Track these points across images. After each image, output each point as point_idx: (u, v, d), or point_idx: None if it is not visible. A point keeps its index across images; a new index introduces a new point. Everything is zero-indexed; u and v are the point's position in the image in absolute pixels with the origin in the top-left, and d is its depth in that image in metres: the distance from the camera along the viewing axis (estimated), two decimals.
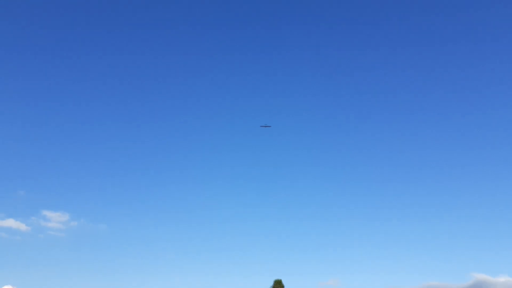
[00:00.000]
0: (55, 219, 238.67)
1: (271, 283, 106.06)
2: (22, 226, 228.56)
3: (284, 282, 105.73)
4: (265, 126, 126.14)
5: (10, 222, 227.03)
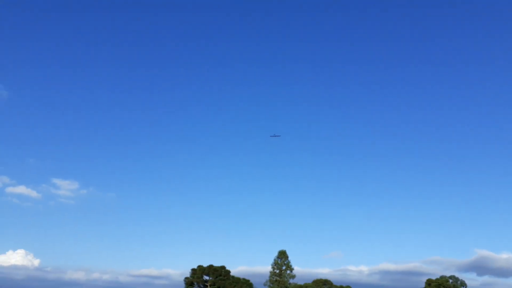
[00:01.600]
0: (65, 187, 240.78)
1: (276, 254, 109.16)
2: (33, 193, 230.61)
3: (288, 253, 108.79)
4: (275, 136, 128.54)
5: (22, 189, 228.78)
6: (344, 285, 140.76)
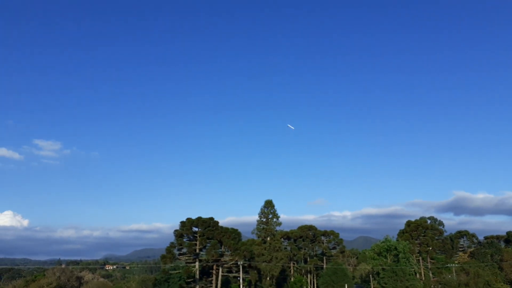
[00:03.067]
0: (48, 147, 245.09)
1: (263, 203, 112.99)
2: (15, 155, 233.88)
3: (275, 203, 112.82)
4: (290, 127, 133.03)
5: (3, 151, 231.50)
6: (328, 229, 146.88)
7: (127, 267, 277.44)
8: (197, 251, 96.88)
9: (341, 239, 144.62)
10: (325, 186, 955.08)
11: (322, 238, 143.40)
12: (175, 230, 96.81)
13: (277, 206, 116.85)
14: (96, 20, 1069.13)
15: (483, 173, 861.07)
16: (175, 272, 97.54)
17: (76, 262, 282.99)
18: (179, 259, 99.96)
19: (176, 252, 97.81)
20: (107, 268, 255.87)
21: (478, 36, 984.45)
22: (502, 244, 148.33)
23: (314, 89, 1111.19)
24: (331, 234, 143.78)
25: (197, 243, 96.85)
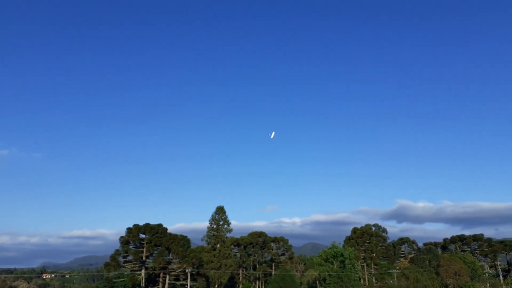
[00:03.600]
0: None
1: (214, 210, 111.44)
2: None
3: (226, 209, 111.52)
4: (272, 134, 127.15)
5: None
6: (278, 236, 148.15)
7: (67, 276, 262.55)
8: (144, 258, 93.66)
9: (290, 246, 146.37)
10: (276, 193, 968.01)
11: (272, 244, 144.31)
12: (121, 237, 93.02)
13: (228, 213, 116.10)
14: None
15: (424, 182, 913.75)
16: (119, 280, 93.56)
17: (10, 271, 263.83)
18: (124, 267, 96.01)
19: (121, 259, 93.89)
20: (44, 277, 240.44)
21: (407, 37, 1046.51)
22: (440, 250, 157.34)
23: (268, 97, 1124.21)
24: (280, 241, 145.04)
25: (144, 250, 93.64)
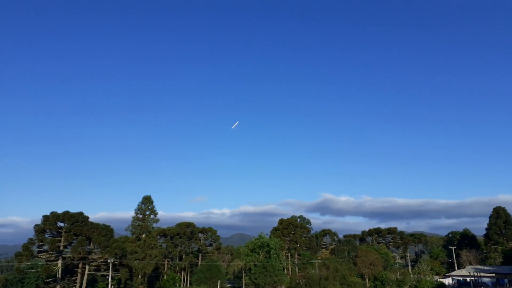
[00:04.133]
0: None
1: (141, 199, 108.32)
2: None
3: (154, 199, 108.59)
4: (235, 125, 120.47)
5: None
6: (206, 227, 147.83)
7: None
8: (61, 248, 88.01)
9: (218, 236, 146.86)
10: (206, 184, 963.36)
11: (200, 235, 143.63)
12: (36, 225, 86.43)
13: (156, 203, 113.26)
14: None
15: (346, 178, 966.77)
16: (32, 271, 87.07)
17: None
18: (39, 257, 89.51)
19: (35, 249, 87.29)
20: None
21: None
22: (358, 242, 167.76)
23: (199, 93, 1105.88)
24: (208, 231, 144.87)
25: (62, 239, 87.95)
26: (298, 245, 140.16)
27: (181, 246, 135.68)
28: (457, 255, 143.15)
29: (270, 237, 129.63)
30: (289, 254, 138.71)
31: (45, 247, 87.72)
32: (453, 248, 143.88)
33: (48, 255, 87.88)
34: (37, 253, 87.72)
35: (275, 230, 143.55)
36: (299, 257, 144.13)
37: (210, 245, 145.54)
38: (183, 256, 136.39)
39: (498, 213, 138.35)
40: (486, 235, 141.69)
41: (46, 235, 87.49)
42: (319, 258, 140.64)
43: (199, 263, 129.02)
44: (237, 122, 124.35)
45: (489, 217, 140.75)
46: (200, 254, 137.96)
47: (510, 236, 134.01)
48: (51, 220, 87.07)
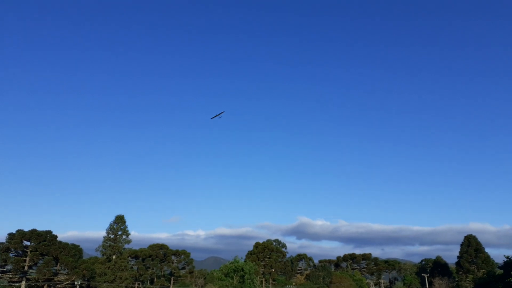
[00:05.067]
0: None
1: (113, 219, 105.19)
2: None
3: (127, 219, 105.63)
4: (218, 115, 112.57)
5: None
6: (180, 249, 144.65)
7: None
8: (26, 268, 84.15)
9: (192, 259, 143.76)
10: (180, 203, 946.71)
11: (173, 257, 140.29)
12: (0, 243, 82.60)
13: (129, 223, 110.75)
14: None
15: (322, 202, 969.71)
16: None
17: None
18: (1, 278, 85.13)
19: None
20: None
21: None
22: (333, 268, 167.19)
23: (173, 106, 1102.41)
24: (182, 254, 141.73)
25: (27, 259, 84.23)
26: (273, 270, 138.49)
27: (153, 269, 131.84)
28: (430, 283, 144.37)
29: (245, 261, 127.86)
30: (263, 279, 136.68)
31: (9, 267, 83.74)
32: (426, 275, 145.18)
33: (11, 276, 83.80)
34: (0, 273, 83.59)
35: (250, 254, 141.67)
36: (273, 282, 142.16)
37: (183, 268, 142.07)
38: (155, 279, 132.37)
39: (469, 241, 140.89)
40: (457, 263, 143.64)
41: (11, 254, 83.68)
42: (294, 283, 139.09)
43: (171, 287, 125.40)
44: (223, 111, 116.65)
45: (461, 245, 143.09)
46: (172, 278, 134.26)
47: (480, 264, 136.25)
48: (16, 238, 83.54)
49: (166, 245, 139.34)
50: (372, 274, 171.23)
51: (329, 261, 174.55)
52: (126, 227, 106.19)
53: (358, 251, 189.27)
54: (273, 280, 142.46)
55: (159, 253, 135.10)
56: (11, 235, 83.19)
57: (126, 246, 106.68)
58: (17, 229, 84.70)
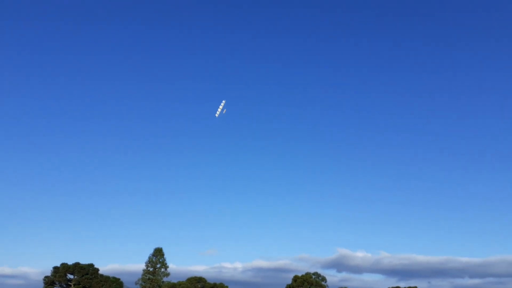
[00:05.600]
0: None
1: (152, 251, 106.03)
2: None
3: (164, 251, 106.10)
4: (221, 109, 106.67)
5: None
6: (218, 282, 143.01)
7: None
8: None
9: None
10: (217, 236, 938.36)
11: None
12: (46, 277, 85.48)
13: (167, 255, 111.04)
14: None
15: (363, 233, 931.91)
16: None
17: None
18: None
19: None
20: None
21: None
22: None
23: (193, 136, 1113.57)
24: (220, 287, 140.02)
25: None
26: None
27: None
28: None
29: None
30: None
31: None
32: None
33: None
34: None
35: (289, 287, 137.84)
36: None
37: None
38: None
39: None
40: None
41: (55, 287, 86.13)
42: None
43: None
44: (223, 101, 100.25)
45: None
46: None
47: None
48: (61, 272, 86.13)
49: (204, 278, 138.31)
50: None
51: None
52: (165, 260, 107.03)
53: (402, 284, 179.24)
54: None
55: (197, 286, 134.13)
56: (55, 269, 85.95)
57: (164, 279, 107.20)
58: (61, 262, 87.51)
